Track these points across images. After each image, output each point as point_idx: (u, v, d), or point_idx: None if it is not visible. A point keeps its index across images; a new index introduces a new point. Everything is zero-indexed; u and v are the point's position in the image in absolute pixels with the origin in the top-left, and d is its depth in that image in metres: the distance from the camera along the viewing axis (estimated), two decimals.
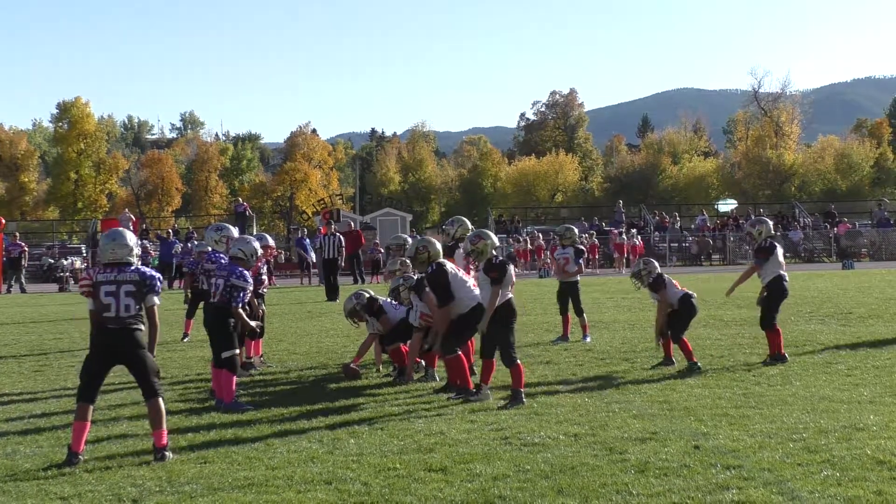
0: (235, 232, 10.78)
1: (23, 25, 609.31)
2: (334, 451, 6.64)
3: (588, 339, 12.75)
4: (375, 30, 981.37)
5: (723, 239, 41.96)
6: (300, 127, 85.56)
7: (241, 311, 8.63)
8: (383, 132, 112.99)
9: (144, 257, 29.72)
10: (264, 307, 11.36)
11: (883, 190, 70.73)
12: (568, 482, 5.64)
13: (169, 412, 7.06)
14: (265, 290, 11.50)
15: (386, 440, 6.97)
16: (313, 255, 30.33)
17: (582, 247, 13.72)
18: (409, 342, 10.01)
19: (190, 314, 13.76)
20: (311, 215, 52.35)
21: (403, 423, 7.59)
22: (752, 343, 12.00)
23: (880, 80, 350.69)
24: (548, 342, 12.83)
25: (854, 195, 66.18)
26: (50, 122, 78.27)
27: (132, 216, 42.19)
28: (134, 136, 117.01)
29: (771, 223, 11.23)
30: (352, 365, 10.19)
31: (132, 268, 6.74)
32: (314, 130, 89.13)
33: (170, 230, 39.19)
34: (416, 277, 9.89)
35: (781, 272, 10.60)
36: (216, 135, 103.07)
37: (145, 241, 35.06)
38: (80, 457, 6.46)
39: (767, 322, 10.51)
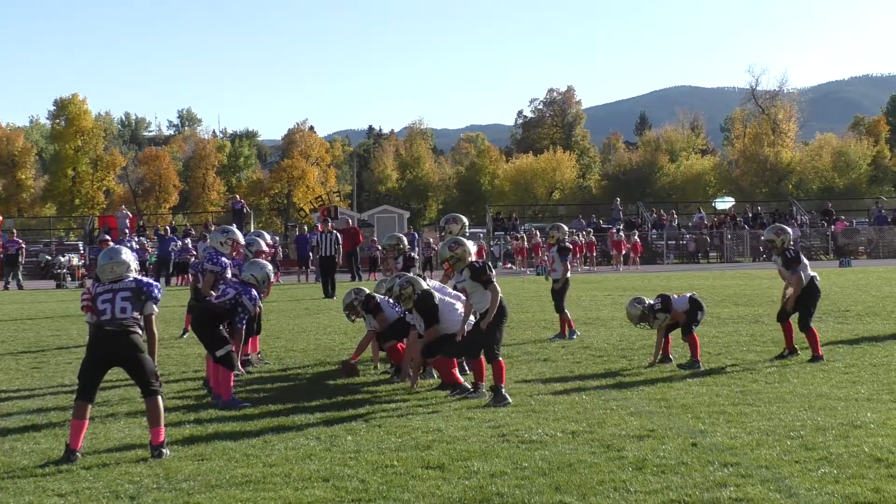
0: (241, 237, 10.79)
1: (20, 22, 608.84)
2: (332, 448, 6.65)
3: (558, 340, 12.70)
4: (373, 27, 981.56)
5: (720, 236, 42.01)
6: (298, 124, 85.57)
7: (236, 329, 8.90)
8: (381, 129, 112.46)
9: (142, 254, 29.73)
10: (261, 304, 11.33)
11: (880, 188, 70.90)
12: (565, 479, 5.64)
13: (166, 409, 7.06)
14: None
15: (383, 437, 6.97)
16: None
17: (568, 245, 13.75)
18: (405, 340, 9.99)
19: (191, 310, 13.71)
20: (308, 212, 52.34)
21: (401, 421, 7.60)
22: (749, 341, 12.03)
23: (878, 78, 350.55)
24: (545, 339, 12.83)
25: (851, 193, 66.27)
26: (47, 118, 78.04)
27: (129, 213, 42.18)
28: (131, 133, 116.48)
29: (790, 231, 11.32)
30: (350, 362, 10.19)
31: (130, 279, 6.85)
32: (312, 127, 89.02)
33: (167, 227, 39.19)
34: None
35: (811, 273, 10.64)
36: (213, 132, 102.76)
37: (143, 238, 35.08)
38: (77, 454, 6.47)
39: (804, 324, 10.55)
